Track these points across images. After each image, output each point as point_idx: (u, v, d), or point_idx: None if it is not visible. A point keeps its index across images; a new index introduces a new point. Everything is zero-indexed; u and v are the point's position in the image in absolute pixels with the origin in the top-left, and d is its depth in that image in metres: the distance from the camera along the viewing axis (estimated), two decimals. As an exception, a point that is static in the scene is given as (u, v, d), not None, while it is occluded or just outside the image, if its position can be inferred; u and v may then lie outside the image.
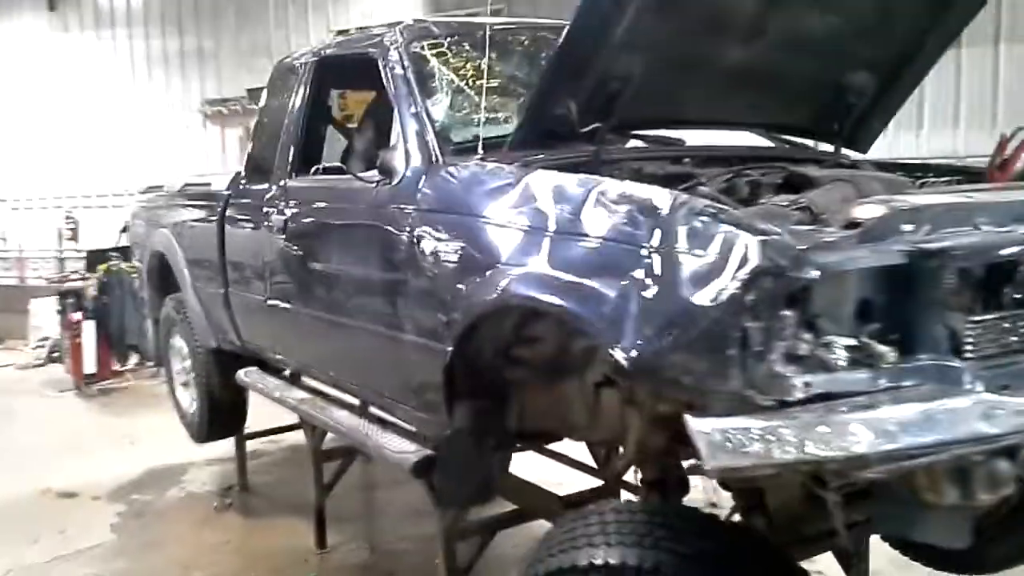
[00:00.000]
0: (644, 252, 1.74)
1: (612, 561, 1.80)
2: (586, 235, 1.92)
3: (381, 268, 2.66)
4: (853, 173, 2.42)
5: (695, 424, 1.57)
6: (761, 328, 1.53)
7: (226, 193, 3.91)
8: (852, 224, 1.63)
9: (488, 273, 2.16)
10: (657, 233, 1.73)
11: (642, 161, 2.43)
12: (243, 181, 3.85)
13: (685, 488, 2.33)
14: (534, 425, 2.52)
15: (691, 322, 1.62)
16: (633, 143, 2.72)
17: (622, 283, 1.76)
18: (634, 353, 1.69)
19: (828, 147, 2.97)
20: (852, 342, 1.58)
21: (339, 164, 2.97)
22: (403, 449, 2.63)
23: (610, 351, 1.74)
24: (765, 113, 2.84)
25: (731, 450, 1.50)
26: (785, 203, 1.99)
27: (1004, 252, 1.65)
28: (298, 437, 5.66)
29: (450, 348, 2.28)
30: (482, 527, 3.11)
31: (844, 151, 2.92)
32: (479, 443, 2.35)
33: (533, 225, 2.08)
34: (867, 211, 1.64)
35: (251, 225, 3.64)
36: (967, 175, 2.55)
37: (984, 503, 1.52)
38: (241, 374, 4.01)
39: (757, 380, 1.54)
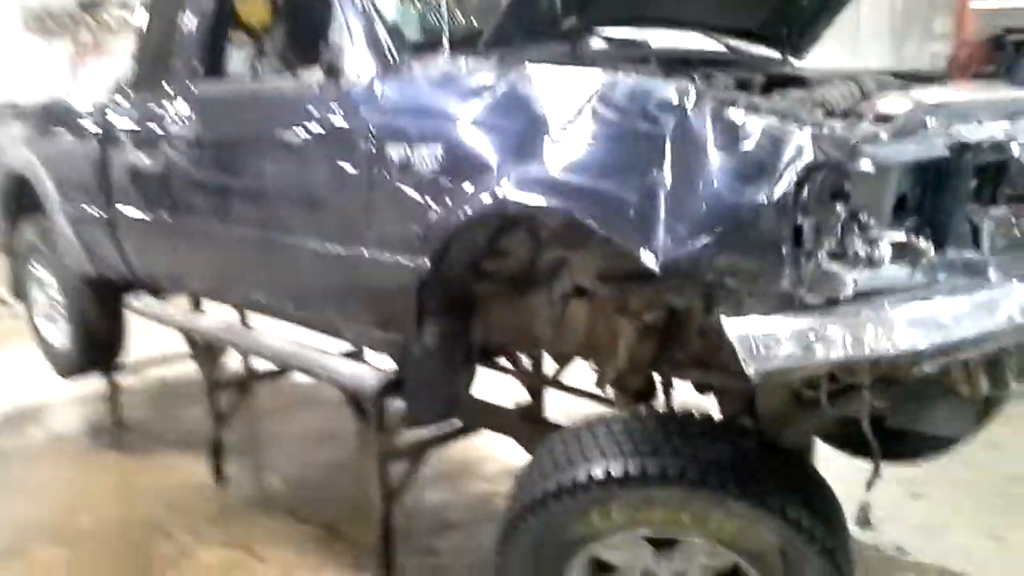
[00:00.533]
0: (669, 149, 1.71)
1: (632, 471, 1.83)
2: (596, 134, 1.86)
3: (331, 180, 2.49)
4: (835, 72, 2.42)
5: (734, 327, 1.60)
6: (812, 224, 1.55)
7: (105, 106, 3.56)
8: (881, 119, 1.67)
9: (478, 179, 2.06)
10: (684, 128, 1.69)
11: (614, 61, 2.37)
12: (126, 92, 3.51)
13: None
14: (499, 340, 2.50)
15: (736, 220, 1.61)
16: (599, 43, 2.66)
17: (645, 183, 1.73)
18: (666, 255, 1.67)
19: (773, 52, 3.00)
20: (899, 237, 1.63)
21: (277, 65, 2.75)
22: (358, 372, 2.52)
23: (636, 254, 1.72)
24: (720, 14, 2.83)
25: (776, 352, 1.54)
26: (798, 99, 1.95)
27: (1012, 146, 1.74)
28: (164, 371, 5.45)
29: (427, 263, 2.20)
30: (414, 447, 3.09)
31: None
32: (446, 360, 2.30)
33: (529, 126, 1.99)
34: (895, 106, 1.69)
35: (145, 140, 3.33)
36: (927, 79, 2.57)
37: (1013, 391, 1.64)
38: (134, 302, 3.72)
39: (807, 278, 1.56)
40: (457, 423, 3.02)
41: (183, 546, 3.34)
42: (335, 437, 4.49)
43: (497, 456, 4.04)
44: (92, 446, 4.40)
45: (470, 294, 2.34)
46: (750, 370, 1.56)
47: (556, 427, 2.87)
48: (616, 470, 1.86)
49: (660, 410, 2.16)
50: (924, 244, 1.66)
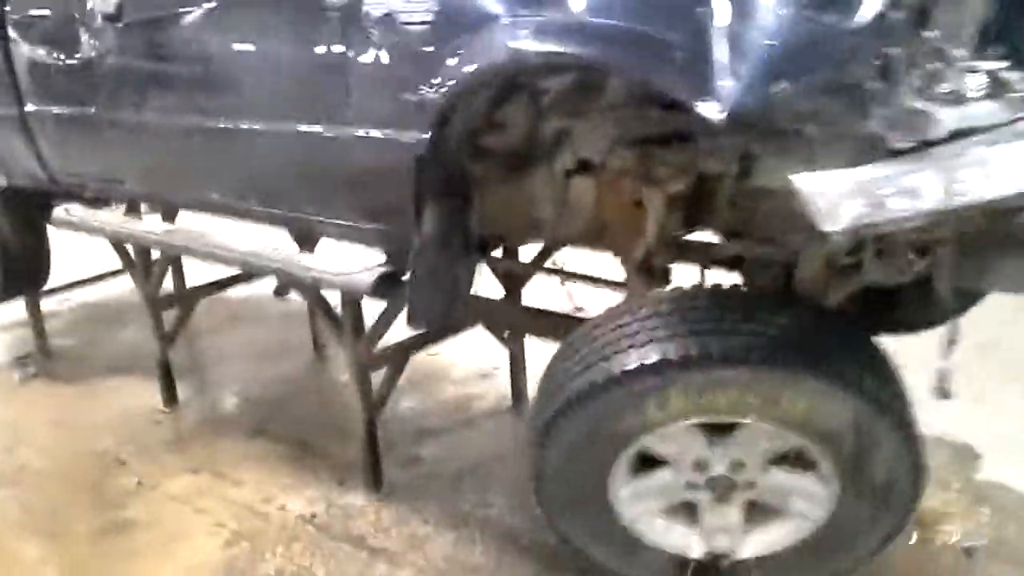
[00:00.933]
0: None
1: (693, 352, 1.65)
2: None
3: (300, 47, 2.15)
4: None
5: (807, 183, 1.40)
6: (899, 56, 1.36)
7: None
8: None
9: (484, 30, 1.76)
10: None
11: None
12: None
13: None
14: (497, 226, 2.26)
15: (817, 54, 1.40)
16: None
17: (694, 19, 1.47)
18: (731, 103, 1.43)
19: None
20: (993, 66, 1.45)
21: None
22: (345, 271, 2.23)
23: (692, 105, 1.49)
24: None
25: (858, 207, 1.36)
26: None
27: None
28: (89, 294, 5.04)
29: (426, 135, 1.90)
30: (395, 353, 2.86)
31: None
32: (447, 251, 2.05)
33: None
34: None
35: (60, 24, 2.86)
36: None
37: None
38: (61, 214, 3.29)
39: (896, 117, 1.37)
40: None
41: (143, 476, 3.06)
42: (287, 351, 4.22)
43: (463, 361, 3.87)
44: (20, 378, 4.01)
45: (466, 176, 2.07)
46: (835, 228, 1.37)
47: (572, 319, 2.68)
48: (675, 353, 1.68)
49: (710, 287, 1.98)
50: (1014, 75, 1.50)
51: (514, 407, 3.48)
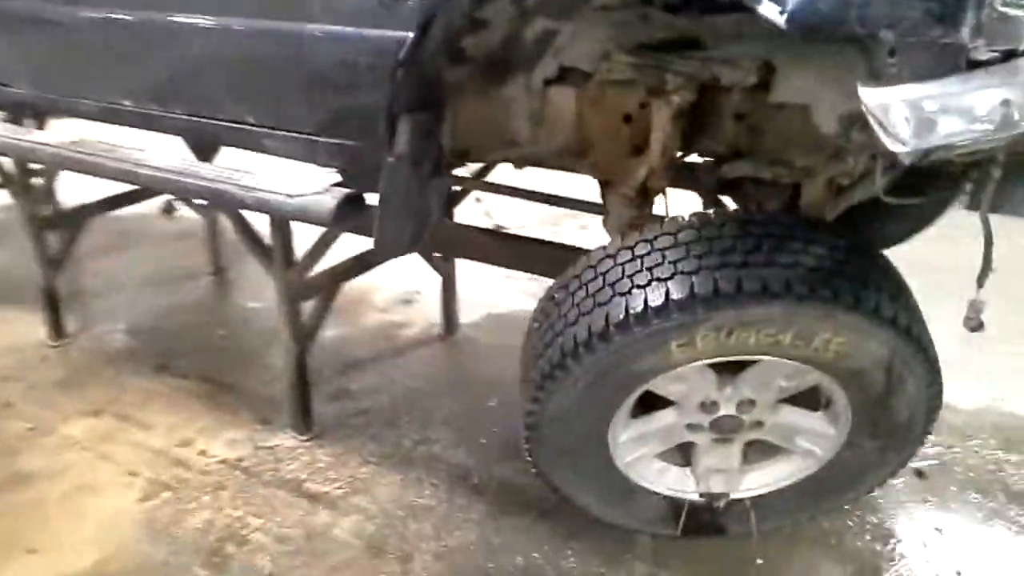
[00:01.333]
0: None
1: (724, 288, 1.50)
2: None
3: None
4: None
5: (876, 97, 1.24)
6: None
7: None
8: None
9: None
10: None
11: None
12: None
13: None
14: (466, 142, 2.02)
15: None
16: None
17: None
18: (800, 5, 1.26)
19: None
20: None
21: None
22: (299, 192, 1.93)
23: (756, 5, 1.31)
24: None
25: (939, 124, 1.21)
26: None
27: None
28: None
29: (410, 35, 1.61)
30: (327, 281, 2.61)
31: None
32: (418, 171, 1.81)
33: None
34: None
35: None
36: None
37: None
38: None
39: (983, 25, 1.22)
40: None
41: (35, 420, 2.73)
42: (184, 276, 3.88)
43: (383, 285, 3.64)
44: None
45: (441, 86, 1.81)
46: (910, 146, 1.23)
47: (552, 246, 2.48)
48: (704, 288, 1.52)
49: (732, 213, 1.82)
50: None
51: (445, 333, 3.30)
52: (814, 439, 1.87)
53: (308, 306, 2.58)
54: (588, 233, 3.86)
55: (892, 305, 1.61)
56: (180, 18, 1.95)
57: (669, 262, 1.58)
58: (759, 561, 2.10)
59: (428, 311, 3.44)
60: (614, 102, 1.91)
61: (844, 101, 1.62)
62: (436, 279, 3.25)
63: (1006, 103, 1.21)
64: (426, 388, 2.94)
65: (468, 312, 3.38)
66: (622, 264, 1.64)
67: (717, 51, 1.70)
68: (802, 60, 1.65)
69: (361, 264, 2.69)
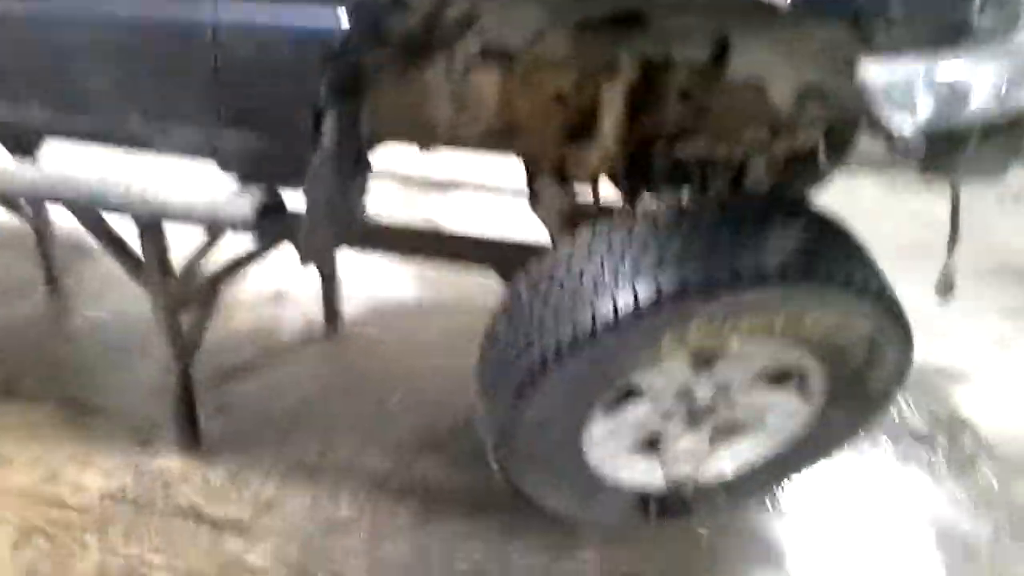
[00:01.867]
0: None
1: (720, 276, 1.44)
2: None
3: None
4: None
5: (879, 74, 1.21)
6: None
7: None
8: None
9: None
10: None
11: None
12: None
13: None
14: (383, 131, 1.85)
15: None
16: None
17: None
18: None
19: None
20: None
21: None
22: (209, 199, 1.68)
23: None
24: None
25: (937, 102, 1.20)
26: None
27: None
28: None
29: (345, 20, 1.43)
30: (206, 287, 2.38)
31: None
32: (342, 168, 1.63)
33: None
34: None
35: None
36: None
37: None
38: None
39: (988, 1, 1.20)
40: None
41: None
42: (14, 288, 3.44)
43: (250, 279, 3.37)
44: None
45: (363, 73, 1.63)
46: (898, 128, 1.21)
47: (494, 244, 2.31)
48: (696, 277, 1.45)
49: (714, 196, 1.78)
50: None
51: (328, 332, 3.10)
52: (785, 416, 1.88)
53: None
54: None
55: (877, 278, 1.62)
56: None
57: (654, 251, 1.51)
58: (702, 531, 2.11)
59: (304, 306, 3.22)
60: (545, 83, 1.81)
61: (799, 74, 1.61)
62: (303, 271, 3.04)
63: (1008, 80, 1.22)
64: (319, 392, 2.75)
65: (349, 305, 3.20)
66: (602, 258, 1.55)
67: (669, 26, 1.64)
68: (756, 32, 1.62)
69: (238, 266, 2.46)
